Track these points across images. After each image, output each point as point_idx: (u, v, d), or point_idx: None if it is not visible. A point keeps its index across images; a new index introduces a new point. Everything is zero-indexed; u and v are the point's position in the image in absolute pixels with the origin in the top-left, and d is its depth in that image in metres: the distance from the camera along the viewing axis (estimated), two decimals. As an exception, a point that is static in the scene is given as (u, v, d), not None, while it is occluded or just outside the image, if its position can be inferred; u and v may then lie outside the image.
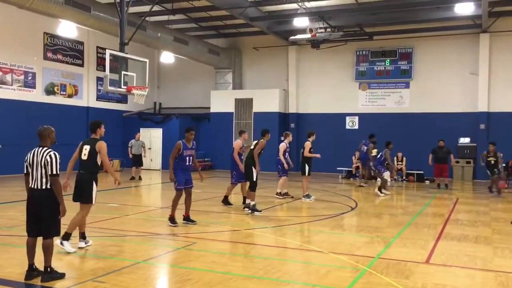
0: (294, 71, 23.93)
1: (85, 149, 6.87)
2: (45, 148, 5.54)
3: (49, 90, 20.68)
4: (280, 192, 13.24)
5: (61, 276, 5.53)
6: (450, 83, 21.32)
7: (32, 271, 5.53)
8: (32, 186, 5.49)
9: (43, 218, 5.47)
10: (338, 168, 21.60)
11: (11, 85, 19.01)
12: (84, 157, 6.86)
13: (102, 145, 6.87)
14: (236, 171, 11.51)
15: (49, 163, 5.42)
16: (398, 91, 22.32)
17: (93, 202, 6.95)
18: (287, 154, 13.04)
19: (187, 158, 8.91)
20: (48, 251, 5.48)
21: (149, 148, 24.05)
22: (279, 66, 24.36)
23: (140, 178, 17.99)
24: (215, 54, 23.70)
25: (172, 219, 8.90)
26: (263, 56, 24.56)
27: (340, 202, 12.72)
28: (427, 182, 19.23)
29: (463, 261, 6.70)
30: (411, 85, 22.07)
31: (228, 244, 7.77)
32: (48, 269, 5.46)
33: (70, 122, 21.45)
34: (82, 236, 7.04)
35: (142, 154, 18.57)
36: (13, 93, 19.05)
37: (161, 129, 24.18)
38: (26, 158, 5.58)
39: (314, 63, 23.59)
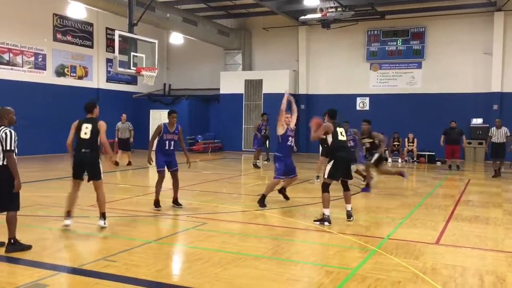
0: (304, 51, 23.70)
1: (86, 128, 6.94)
2: (2, 127, 5.71)
3: (60, 72, 20.73)
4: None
5: (27, 247, 5.73)
6: (463, 63, 20.99)
7: None
8: None
9: (2, 193, 5.65)
10: (348, 150, 21.50)
11: (22, 66, 19.08)
12: (85, 136, 6.91)
13: (102, 124, 7.04)
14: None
15: (4, 140, 5.59)
16: (410, 72, 22.05)
17: (102, 178, 7.11)
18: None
19: (167, 142, 8.58)
20: (10, 224, 5.70)
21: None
22: (289, 46, 24.13)
23: (129, 163, 15.96)
24: (225, 35, 23.53)
25: (156, 203, 8.66)
26: (273, 37, 24.32)
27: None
28: (438, 163, 19.10)
29: (473, 242, 6.67)
30: (423, 65, 21.77)
31: (238, 225, 7.80)
32: (12, 240, 5.69)
33: (81, 104, 21.47)
34: (104, 216, 7.09)
35: (130, 138, 16.63)
36: (24, 74, 19.12)
37: (171, 110, 24.18)
38: None
39: (325, 44, 23.32)
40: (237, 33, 24.47)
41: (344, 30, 21.82)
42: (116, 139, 16.67)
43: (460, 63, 21.01)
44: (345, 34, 22.29)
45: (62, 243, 6.31)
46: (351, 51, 22.94)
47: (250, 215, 8.55)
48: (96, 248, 6.19)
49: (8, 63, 18.54)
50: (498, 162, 14.72)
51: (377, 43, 22.50)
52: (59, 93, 20.23)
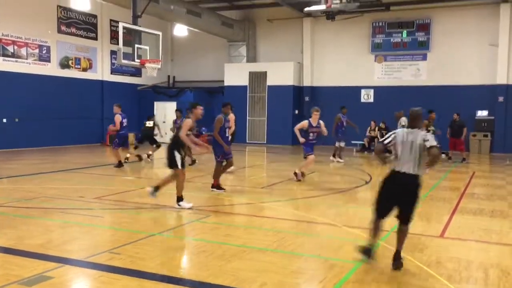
0: (309, 43, 23.58)
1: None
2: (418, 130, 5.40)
3: (64, 64, 20.73)
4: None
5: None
6: (468, 54, 20.84)
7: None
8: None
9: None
10: (352, 142, 21.47)
11: (26, 58, 19.09)
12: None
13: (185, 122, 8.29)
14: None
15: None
16: (415, 63, 21.91)
17: (179, 167, 7.94)
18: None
19: None
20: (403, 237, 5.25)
21: (164, 122, 24.13)
22: (293, 38, 24.01)
23: None
24: (229, 26, 23.43)
25: None
26: (277, 29, 24.20)
27: (354, 176, 12.67)
28: (443, 156, 19.00)
29: (478, 235, 6.65)
30: (429, 57, 21.63)
31: (242, 217, 7.81)
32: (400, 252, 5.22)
33: (85, 96, 21.58)
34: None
35: None
36: (29, 67, 19.14)
37: (175, 102, 24.17)
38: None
39: (329, 35, 23.19)
40: (241, 25, 24.36)
41: (349, 21, 21.69)
42: None
43: (466, 55, 20.86)
44: (350, 25, 22.16)
45: (67, 235, 6.34)
46: (356, 43, 22.81)
47: (255, 208, 8.55)
48: (101, 240, 6.21)
49: (12, 55, 18.55)
50: None
51: (382, 34, 22.35)
52: (63, 85, 20.26)
